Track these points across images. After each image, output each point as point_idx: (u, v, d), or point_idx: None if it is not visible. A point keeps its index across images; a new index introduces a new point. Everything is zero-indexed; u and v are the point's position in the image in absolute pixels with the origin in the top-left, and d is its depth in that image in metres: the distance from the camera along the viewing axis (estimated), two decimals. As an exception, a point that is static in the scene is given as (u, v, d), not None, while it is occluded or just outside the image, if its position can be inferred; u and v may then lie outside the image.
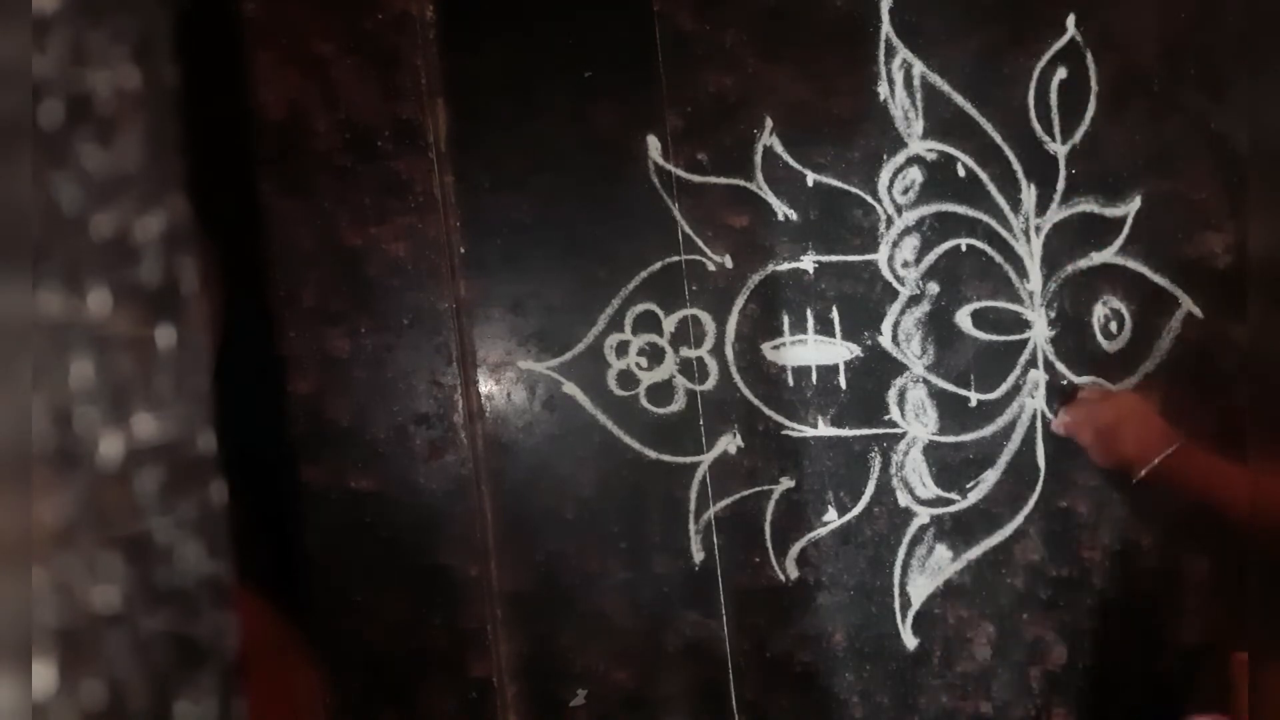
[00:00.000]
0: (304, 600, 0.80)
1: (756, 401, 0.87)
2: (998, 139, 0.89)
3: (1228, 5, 0.91)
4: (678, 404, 0.86)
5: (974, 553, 0.90)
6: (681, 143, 0.86)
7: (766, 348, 0.87)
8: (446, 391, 0.82)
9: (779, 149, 0.87)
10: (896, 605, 0.89)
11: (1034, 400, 0.90)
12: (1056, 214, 0.90)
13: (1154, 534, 0.91)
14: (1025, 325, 0.90)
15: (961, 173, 0.89)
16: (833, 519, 0.88)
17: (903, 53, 0.88)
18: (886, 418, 0.89)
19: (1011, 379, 0.90)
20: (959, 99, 0.89)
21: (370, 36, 0.81)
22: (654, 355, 0.86)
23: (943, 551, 0.90)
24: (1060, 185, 0.90)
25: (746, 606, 0.87)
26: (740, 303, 0.87)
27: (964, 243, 0.89)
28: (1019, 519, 0.90)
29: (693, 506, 0.87)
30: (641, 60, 0.85)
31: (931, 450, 0.89)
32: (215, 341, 0.78)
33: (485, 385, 0.84)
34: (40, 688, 0.25)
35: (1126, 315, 0.91)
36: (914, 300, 0.89)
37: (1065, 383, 0.90)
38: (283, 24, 0.80)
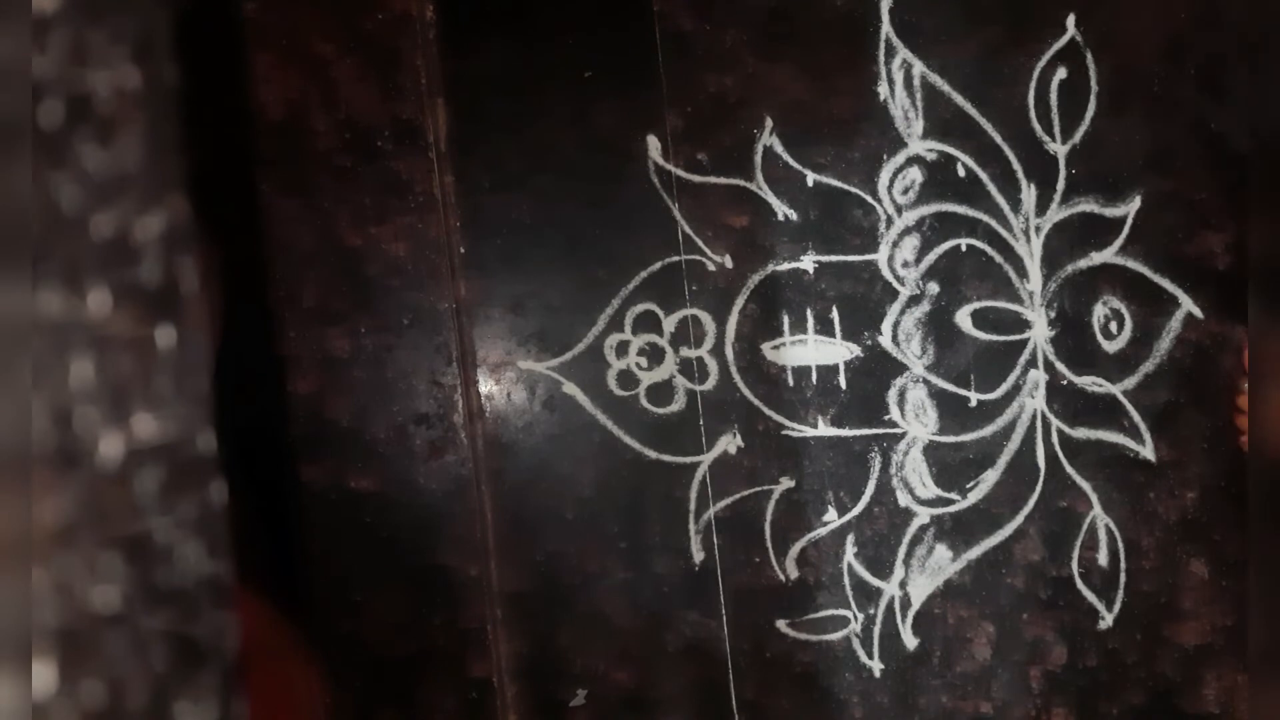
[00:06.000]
0: (304, 600, 0.80)
1: (756, 401, 0.87)
2: (998, 139, 0.89)
3: (1228, 5, 0.91)
4: (678, 404, 0.86)
5: (974, 553, 0.90)
6: (681, 143, 0.86)
7: (766, 348, 0.87)
8: (446, 391, 0.82)
9: (779, 149, 0.87)
10: (897, 605, 0.89)
11: (1034, 400, 0.90)
12: (1056, 214, 0.90)
13: (1155, 533, 0.91)
14: (1025, 325, 0.90)
15: (961, 173, 0.89)
16: (833, 519, 0.88)
17: (903, 53, 0.88)
18: (886, 418, 0.89)
19: (1011, 379, 0.90)
20: (959, 99, 0.89)
21: (370, 36, 0.81)
22: (654, 355, 0.86)
23: (943, 551, 0.90)
24: (1060, 185, 0.90)
25: (746, 606, 0.87)
26: (740, 303, 0.87)
27: (964, 243, 0.89)
28: (1019, 519, 0.90)
29: (693, 506, 0.87)
30: (641, 60, 0.85)
31: (931, 450, 0.89)
32: (215, 341, 0.78)
33: (485, 385, 0.84)
34: (40, 688, 0.25)
35: (1126, 315, 0.91)
36: (914, 300, 0.89)
37: (1065, 382, 0.90)
38: (283, 24, 0.80)
